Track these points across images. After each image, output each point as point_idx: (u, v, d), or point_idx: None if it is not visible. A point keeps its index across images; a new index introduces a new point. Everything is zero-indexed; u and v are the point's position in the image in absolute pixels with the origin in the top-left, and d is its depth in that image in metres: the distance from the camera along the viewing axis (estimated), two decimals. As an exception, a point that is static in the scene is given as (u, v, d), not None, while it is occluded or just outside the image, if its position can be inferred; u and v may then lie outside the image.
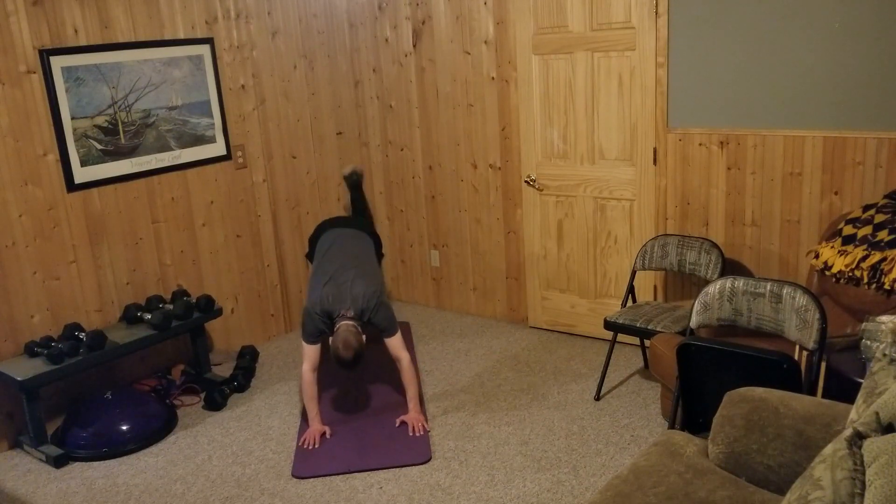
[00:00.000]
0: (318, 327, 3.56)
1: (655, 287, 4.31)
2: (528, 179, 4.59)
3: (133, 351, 3.91)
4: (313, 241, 4.21)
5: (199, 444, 3.72)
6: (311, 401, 3.64)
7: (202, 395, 4.17)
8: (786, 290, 2.77)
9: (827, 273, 3.20)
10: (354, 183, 4.82)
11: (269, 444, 3.67)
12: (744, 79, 3.74)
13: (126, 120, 4.06)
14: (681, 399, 2.87)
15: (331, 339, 3.51)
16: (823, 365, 2.75)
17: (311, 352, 3.59)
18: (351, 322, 3.50)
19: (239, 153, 4.62)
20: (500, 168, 4.73)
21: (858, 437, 1.69)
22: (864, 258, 3.06)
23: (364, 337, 3.52)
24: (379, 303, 3.60)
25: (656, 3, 3.89)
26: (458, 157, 4.91)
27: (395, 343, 3.66)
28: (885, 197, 3.30)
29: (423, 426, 3.64)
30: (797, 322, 2.72)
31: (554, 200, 4.54)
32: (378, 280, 3.78)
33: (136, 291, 4.20)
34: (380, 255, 4.30)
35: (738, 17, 3.69)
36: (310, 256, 4.25)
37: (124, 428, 3.68)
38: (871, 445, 1.63)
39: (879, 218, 3.15)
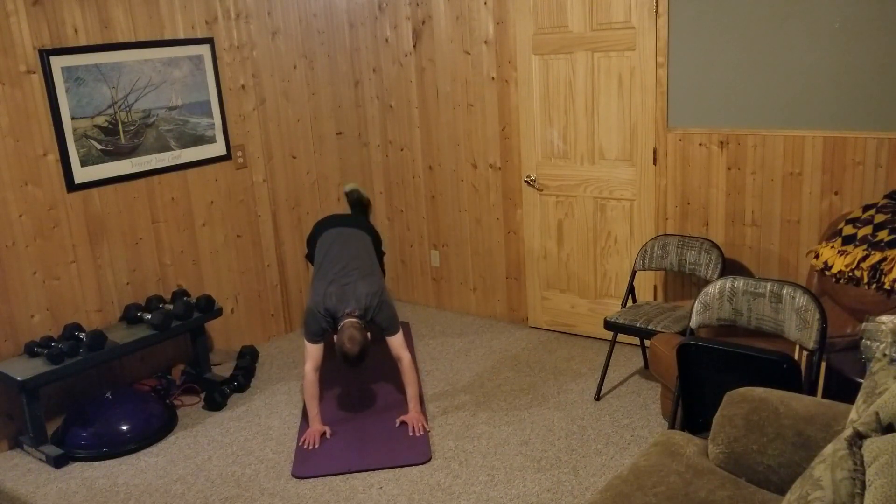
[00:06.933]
0: (322, 325, 3.58)
1: (655, 287, 4.31)
2: (528, 179, 4.59)
3: (133, 351, 3.91)
4: (311, 241, 4.21)
5: (199, 444, 3.72)
6: (312, 400, 3.65)
7: (202, 395, 4.17)
8: (786, 290, 2.77)
9: (827, 273, 3.20)
10: (355, 200, 4.83)
11: (269, 444, 3.67)
12: (744, 79, 3.74)
13: (126, 120, 4.06)
14: (681, 399, 2.87)
15: (335, 336, 3.53)
16: (823, 365, 2.75)
17: (313, 351, 3.60)
18: (355, 320, 3.52)
19: (239, 153, 4.62)
20: (500, 168, 4.73)
21: (858, 437, 1.69)
22: (864, 258, 3.06)
23: (368, 334, 3.53)
24: (381, 301, 3.62)
25: (656, 3, 3.89)
26: (458, 157, 4.91)
27: (396, 342, 3.66)
28: (885, 197, 3.30)
29: (423, 426, 3.64)
30: (797, 322, 2.72)
31: (554, 200, 4.54)
32: (380, 279, 3.78)
33: (136, 291, 4.20)
34: (380, 253, 4.29)
35: (738, 17, 3.69)
36: (309, 257, 4.24)
37: (124, 428, 3.68)
38: (871, 445, 1.63)
39: (879, 218, 3.15)
